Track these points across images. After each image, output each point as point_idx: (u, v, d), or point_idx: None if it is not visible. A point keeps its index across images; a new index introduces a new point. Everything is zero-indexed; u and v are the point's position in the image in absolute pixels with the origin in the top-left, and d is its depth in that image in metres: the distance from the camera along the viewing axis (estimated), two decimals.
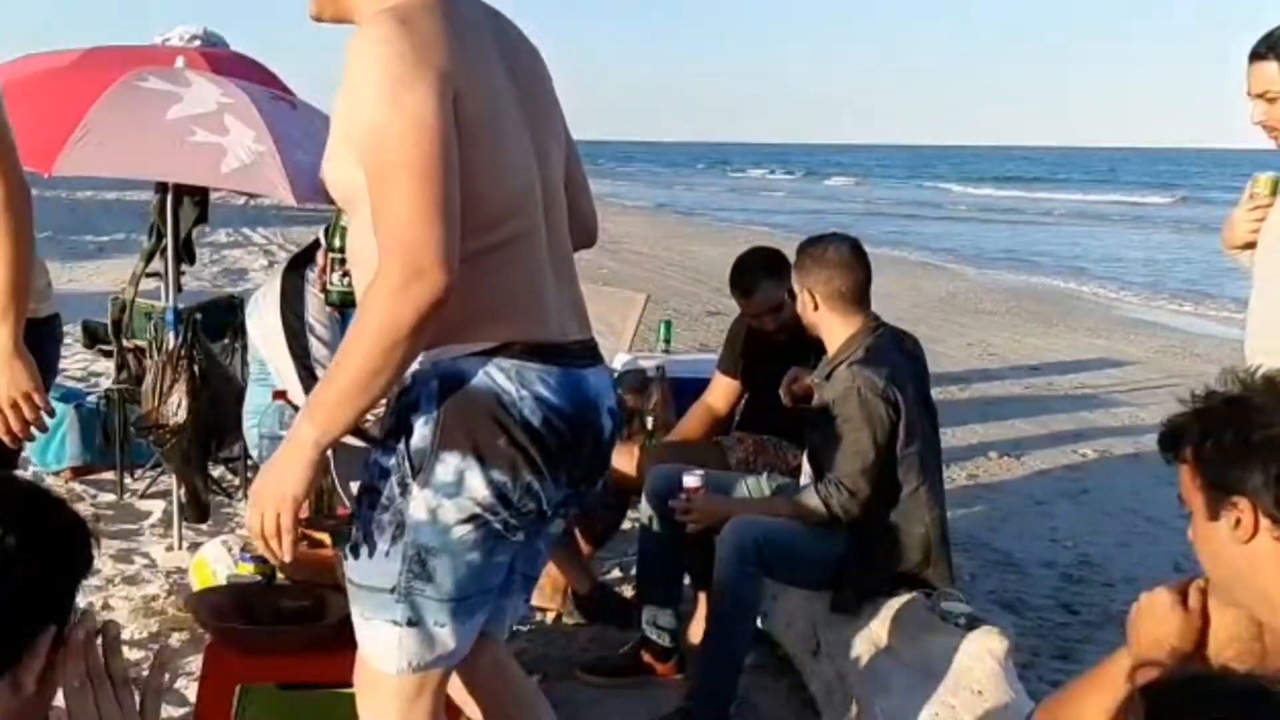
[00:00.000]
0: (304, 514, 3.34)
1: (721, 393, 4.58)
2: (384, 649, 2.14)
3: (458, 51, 2.00)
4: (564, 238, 2.25)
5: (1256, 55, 3.09)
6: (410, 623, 2.11)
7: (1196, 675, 1.42)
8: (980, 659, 3.15)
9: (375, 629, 2.14)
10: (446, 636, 2.14)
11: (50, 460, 5.68)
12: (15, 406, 2.62)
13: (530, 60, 2.25)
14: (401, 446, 2.06)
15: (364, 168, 1.97)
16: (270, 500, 2.03)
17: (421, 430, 2.05)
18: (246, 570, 3.24)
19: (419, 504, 2.06)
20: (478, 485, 2.04)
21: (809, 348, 4.02)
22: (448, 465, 2.04)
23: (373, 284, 1.95)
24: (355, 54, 1.99)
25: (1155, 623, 1.85)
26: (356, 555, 2.13)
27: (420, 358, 2.06)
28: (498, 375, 2.05)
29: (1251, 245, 3.23)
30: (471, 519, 2.06)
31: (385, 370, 1.95)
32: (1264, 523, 1.70)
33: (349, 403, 1.98)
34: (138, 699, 1.51)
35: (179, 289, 5.20)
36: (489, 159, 2.03)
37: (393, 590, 2.09)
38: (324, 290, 4.14)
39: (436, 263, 1.89)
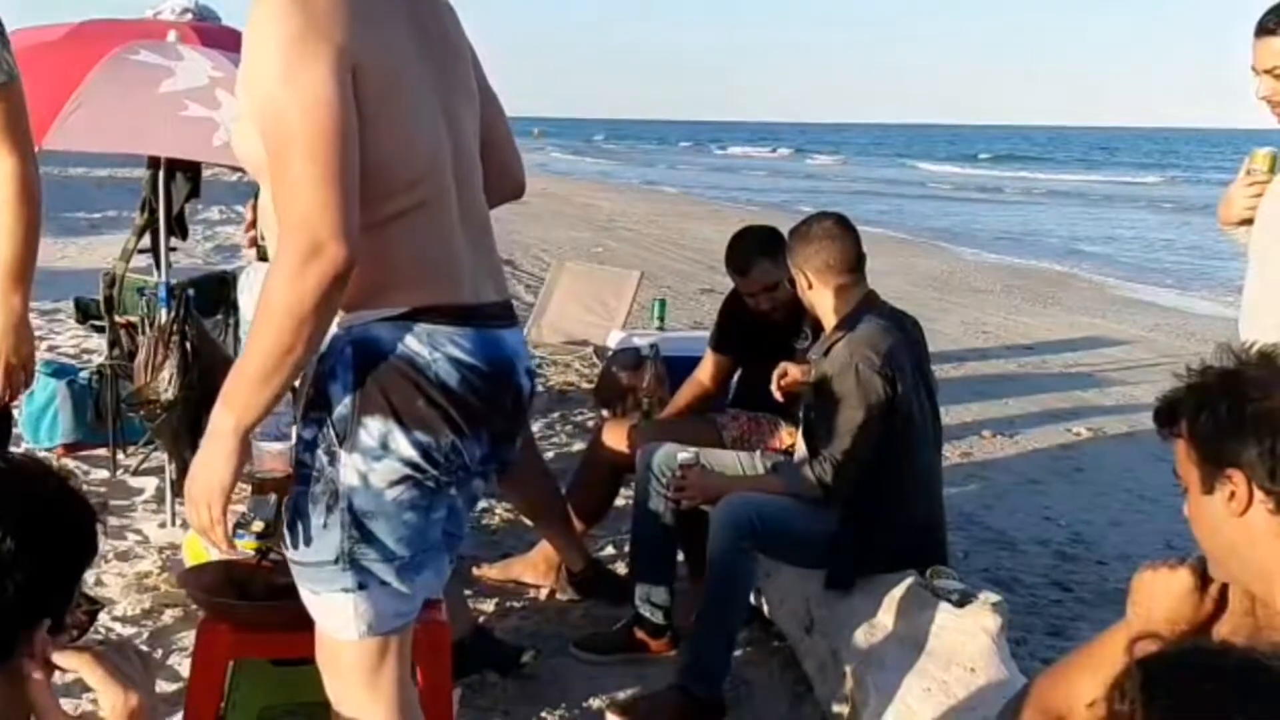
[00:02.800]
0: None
1: (713, 370, 4.57)
2: (340, 619, 2.14)
3: (356, 23, 1.99)
4: (478, 200, 2.25)
5: (1265, 29, 3.01)
6: (360, 586, 2.11)
7: (1195, 648, 1.42)
8: (973, 635, 3.16)
9: (328, 601, 2.15)
10: (400, 593, 2.15)
11: (42, 437, 5.66)
12: (10, 371, 2.77)
13: (442, 20, 2.24)
14: (324, 416, 2.08)
15: (263, 145, 1.99)
16: (201, 495, 2.05)
17: (341, 398, 2.06)
18: (241, 546, 3.23)
19: (349, 470, 2.06)
20: (403, 447, 2.06)
21: (803, 325, 4.01)
22: (371, 430, 2.05)
23: (274, 262, 1.96)
24: (252, 30, 1.98)
25: (1171, 602, 1.85)
26: (295, 532, 2.12)
27: (333, 325, 2.07)
28: (410, 339, 2.07)
29: (1248, 222, 3.19)
30: (403, 480, 2.08)
31: (296, 348, 1.96)
32: (1258, 495, 1.70)
33: (264, 385, 1.99)
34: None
35: (170, 265, 5.18)
36: (393, 128, 2.03)
37: (337, 560, 2.10)
38: (253, 245, 4.12)
39: (334, 237, 1.91)
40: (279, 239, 1.96)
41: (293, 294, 1.92)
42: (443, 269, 2.12)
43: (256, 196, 4.07)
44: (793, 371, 3.82)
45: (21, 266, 2.73)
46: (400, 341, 2.06)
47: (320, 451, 2.08)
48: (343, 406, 2.06)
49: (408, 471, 2.07)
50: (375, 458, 2.06)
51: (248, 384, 2.01)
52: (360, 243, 1.97)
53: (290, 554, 2.17)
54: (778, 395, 3.90)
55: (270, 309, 1.95)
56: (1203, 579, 1.85)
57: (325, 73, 1.93)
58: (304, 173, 1.92)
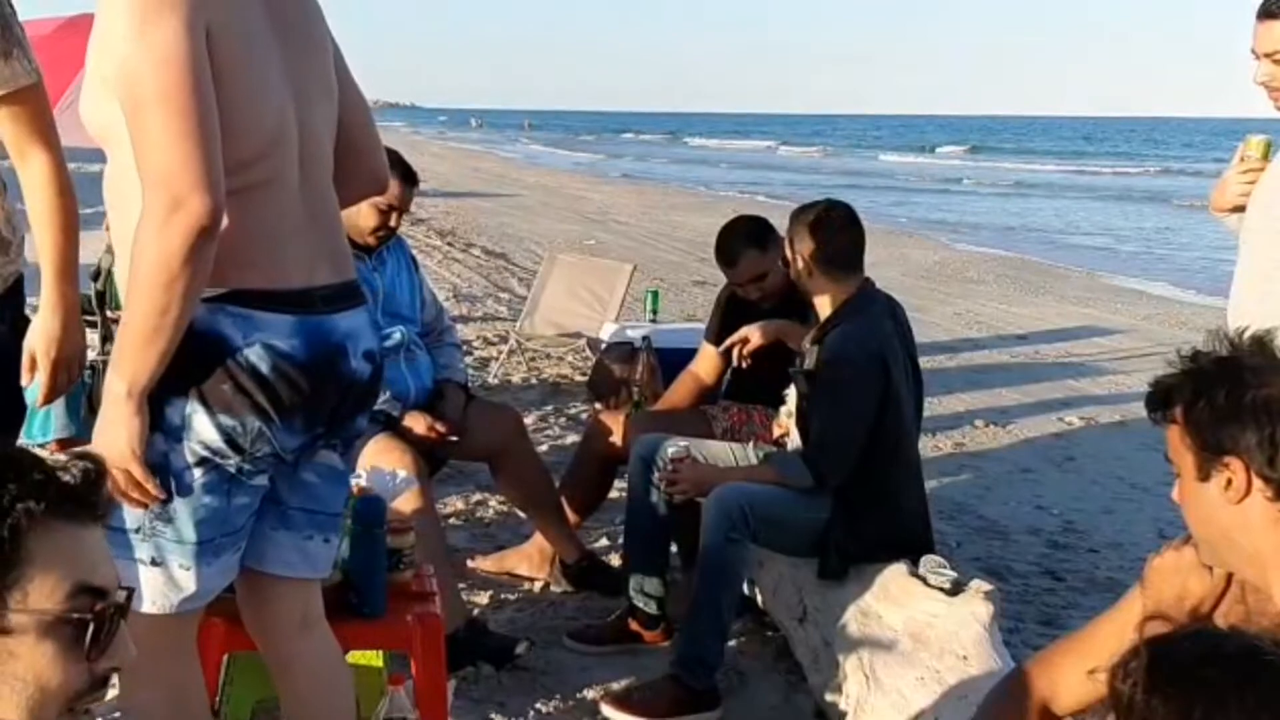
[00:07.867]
0: None
1: (708, 362, 4.56)
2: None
3: None
4: (323, 184, 2.22)
5: (1269, 13, 2.97)
6: (154, 562, 2.11)
7: (1201, 632, 1.43)
8: (966, 624, 3.16)
9: (123, 568, 2.10)
10: (189, 580, 2.13)
11: (36, 433, 5.64)
12: (69, 364, 2.73)
13: (304, 8, 2.23)
14: None
15: (120, 106, 1.97)
16: (116, 462, 2.01)
17: None
18: None
19: (152, 449, 2.04)
20: (205, 429, 2.04)
21: (795, 315, 4.01)
22: (175, 409, 2.04)
23: (139, 221, 1.94)
24: None
25: (1180, 578, 1.86)
26: None
27: None
28: (225, 322, 2.04)
29: (1240, 209, 3.20)
30: (202, 463, 2.06)
31: (172, 306, 1.93)
32: (1256, 483, 1.71)
33: (147, 347, 1.97)
34: None
35: None
36: (238, 99, 2.01)
37: (138, 530, 2.10)
38: None
39: (196, 190, 1.89)
40: (144, 196, 1.93)
41: (159, 251, 1.91)
42: (271, 252, 2.09)
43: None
44: (754, 339, 3.89)
45: (68, 258, 2.75)
46: (213, 323, 2.03)
47: None
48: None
49: (207, 455, 2.06)
50: (177, 438, 2.05)
51: (132, 347, 1.98)
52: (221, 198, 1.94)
53: None
54: (737, 360, 3.97)
55: (139, 270, 1.94)
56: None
57: (179, 27, 1.92)
58: (160, 129, 1.91)
